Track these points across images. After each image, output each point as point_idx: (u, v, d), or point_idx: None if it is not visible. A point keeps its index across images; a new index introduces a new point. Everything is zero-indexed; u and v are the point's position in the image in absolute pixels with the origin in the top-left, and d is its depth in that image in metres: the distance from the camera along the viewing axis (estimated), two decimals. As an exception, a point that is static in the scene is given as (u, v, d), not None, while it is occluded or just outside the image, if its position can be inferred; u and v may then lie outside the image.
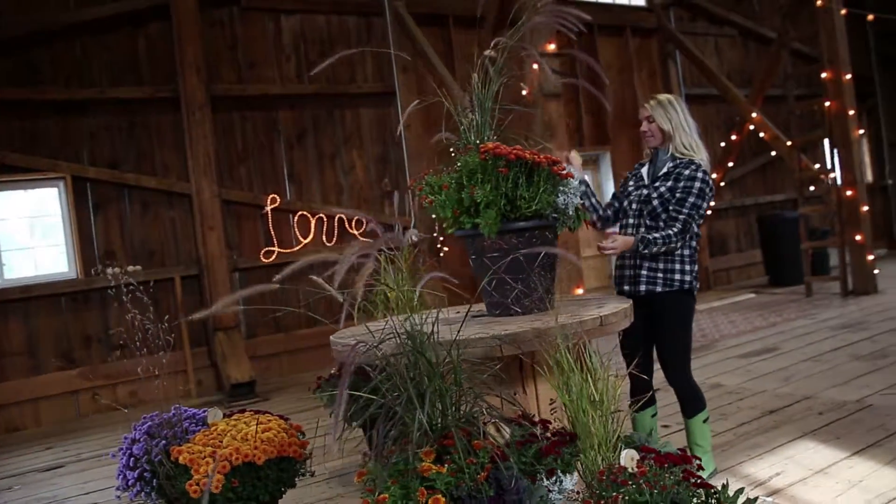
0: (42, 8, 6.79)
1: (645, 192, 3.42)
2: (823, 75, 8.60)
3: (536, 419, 2.49)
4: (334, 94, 8.08)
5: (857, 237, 8.55)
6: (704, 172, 3.35)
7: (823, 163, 10.07)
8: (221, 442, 2.94)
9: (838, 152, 8.65)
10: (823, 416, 4.32)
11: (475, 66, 3.24)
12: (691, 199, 3.28)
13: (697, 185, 3.30)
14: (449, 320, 2.73)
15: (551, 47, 6.52)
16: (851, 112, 8.47)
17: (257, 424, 2.97)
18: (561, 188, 3.02)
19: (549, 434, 2.37)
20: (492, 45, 3.32)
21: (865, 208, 8.53)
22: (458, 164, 3.07)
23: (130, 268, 6.77)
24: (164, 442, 2.98)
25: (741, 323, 7.81)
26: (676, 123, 3.42)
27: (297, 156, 7.96)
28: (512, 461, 2.15)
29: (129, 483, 2.97)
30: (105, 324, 6.89)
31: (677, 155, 3.41)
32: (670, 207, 3.30)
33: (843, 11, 8.57)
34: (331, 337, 3.17)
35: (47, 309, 6.67)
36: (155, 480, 2.93)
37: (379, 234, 2.72)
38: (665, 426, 4.31)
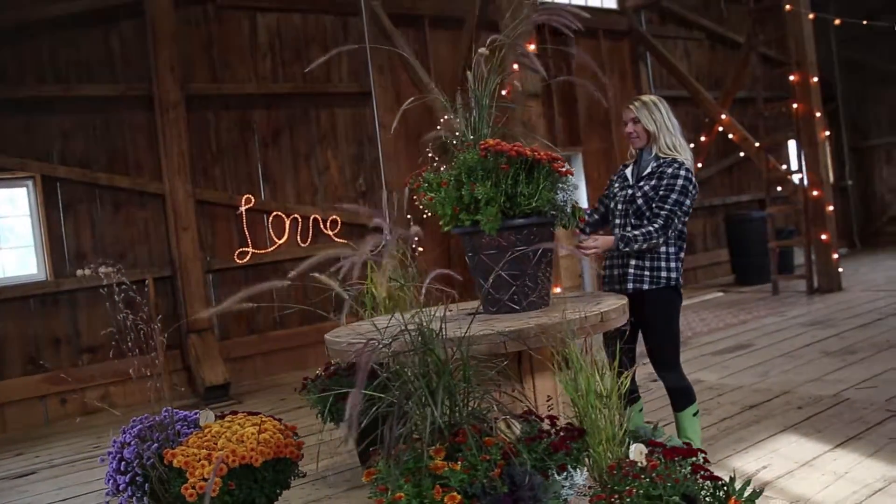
0: (9, 4, 6.60)
1: (629, 192, 3.45)
2: (791, 78, 8.81)
3: (541, 415, 2.49)
4: (310, 94, 8.00)
5: (823, 236, 8.77)
6: (688, 171, 3.39)
7: (790, 164, 10.31)
8: (216, 444, 2.88)
9: (805, 153, 8.87)
10: (803, 410, 4.42)
11: (470, 65, 3.25)
12: (674, 196, 3.32)
13: (680, 182, 3.33)
14: (446, 318, 2.72)
15: (531, 48, 6.56)
16: (818, 114, 8.69)
17: (260, 425, 2.92)
18: (560, 185, 3.04)
19: (556, 430, 2.37)
20: (487, 42, 3.33)
21: (831, 208, 8.76)
22: (457, 161, 3.06)
23: (104, 269, 6.62)
24: (155, 445, 2.91)
25: (712, 321, 7.94)
26: (661, 124, 3.46)
27: (271, 156, 7.87)
28: (525, 457, 2.15)
29: (120, 488, 2.90)
30: (75, 326, 6.72)
31: (661, 155, 3.45)
32: (653, 205, 3.34)
33: (811, 16, 8.79)
34: (326, 336, 3.14)
35: (15, 311, 6.48)
36: (147, 485, 2.87)
37: (385, 229, 2.70)
38: (648, 422, 4.36)
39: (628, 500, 2.05)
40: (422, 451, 2.19)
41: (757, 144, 9.52)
